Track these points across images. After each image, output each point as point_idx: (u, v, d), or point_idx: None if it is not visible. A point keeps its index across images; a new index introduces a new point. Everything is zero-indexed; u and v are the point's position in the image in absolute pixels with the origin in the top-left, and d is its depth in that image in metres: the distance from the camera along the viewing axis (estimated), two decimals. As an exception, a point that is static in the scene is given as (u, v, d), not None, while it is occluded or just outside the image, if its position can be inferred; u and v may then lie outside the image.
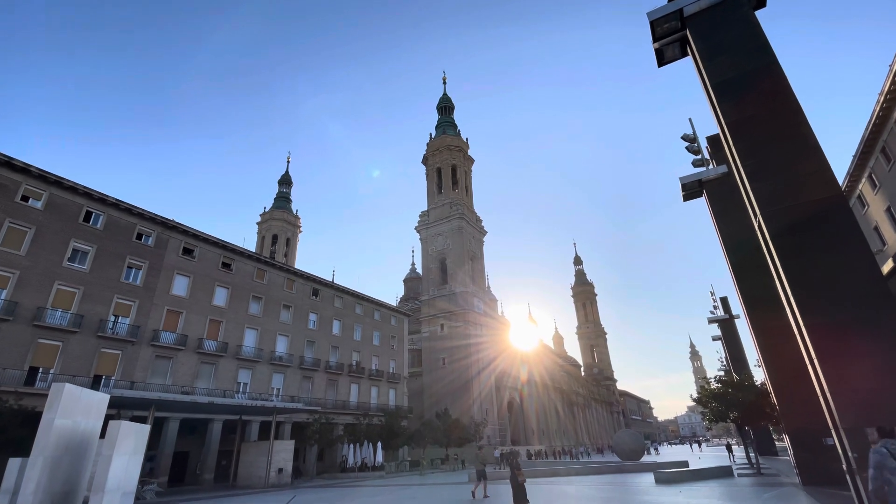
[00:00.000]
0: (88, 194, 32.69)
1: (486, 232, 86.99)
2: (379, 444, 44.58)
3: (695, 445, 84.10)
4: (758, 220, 10.86)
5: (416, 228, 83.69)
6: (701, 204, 28.15)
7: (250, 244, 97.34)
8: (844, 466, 9.24)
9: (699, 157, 18.95)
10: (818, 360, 8.96)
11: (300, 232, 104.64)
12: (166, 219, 36.85)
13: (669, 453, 63.38)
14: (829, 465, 13.84)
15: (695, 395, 32.35)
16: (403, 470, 46.77)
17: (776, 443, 43.03)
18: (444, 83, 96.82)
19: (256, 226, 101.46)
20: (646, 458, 41.75)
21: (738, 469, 25.59)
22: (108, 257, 32.92)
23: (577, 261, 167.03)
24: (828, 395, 8.86)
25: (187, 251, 38.44)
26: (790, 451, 17.49)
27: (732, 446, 49.79)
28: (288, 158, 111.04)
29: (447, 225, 79.20)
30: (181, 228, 37.91)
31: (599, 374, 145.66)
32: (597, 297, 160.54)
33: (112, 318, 32.16)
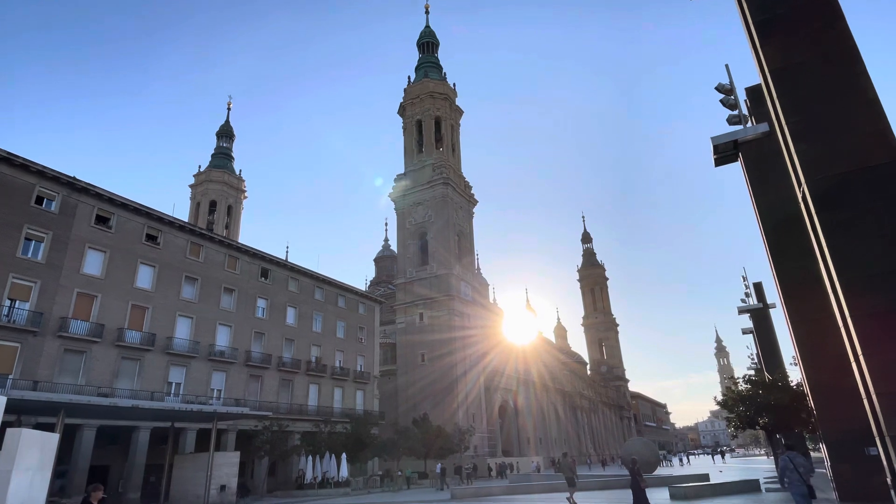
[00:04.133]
0: (-29, 146, 31.52)
1: (477, 202, 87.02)
2: (343, 455, 45.21)
3: (717, 457, 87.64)
4: (802, 190, 11.02)
5: (390, 196, 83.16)
6: (735, 170, 28.53)
7: (182, 212, 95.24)
8: (889, 480, 9.65)
9: (736, 112, 18.98)
10: (864, 356, 9.25)
11: (245, 198, 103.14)
12: (74, 178, 35.82)
13: (689, 465, 65.97)
14: (871, 478, 14.50)
15: (719, 398, 33.60)
16: (373, 486, 47.73)
17: (811, 453, 45.09)
18: (427, 13, 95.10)
19: (189, 189, 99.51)
20: (660, 471, 43.37)
21: (765, 483, 26.79)
22: (0, 226, 32.02)
23: (586, 238, 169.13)
24: (873, 396, 9.15)
25: (102, 220, 37.62)
26: (827, 463, 18.30)
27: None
28: (229, 104, 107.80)
29: (429, 192, 78.78)
30: (93, 191, 36.97)
31: (608, 373, 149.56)
32: (608, 282, 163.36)
33: (7, 303, 31.50)
